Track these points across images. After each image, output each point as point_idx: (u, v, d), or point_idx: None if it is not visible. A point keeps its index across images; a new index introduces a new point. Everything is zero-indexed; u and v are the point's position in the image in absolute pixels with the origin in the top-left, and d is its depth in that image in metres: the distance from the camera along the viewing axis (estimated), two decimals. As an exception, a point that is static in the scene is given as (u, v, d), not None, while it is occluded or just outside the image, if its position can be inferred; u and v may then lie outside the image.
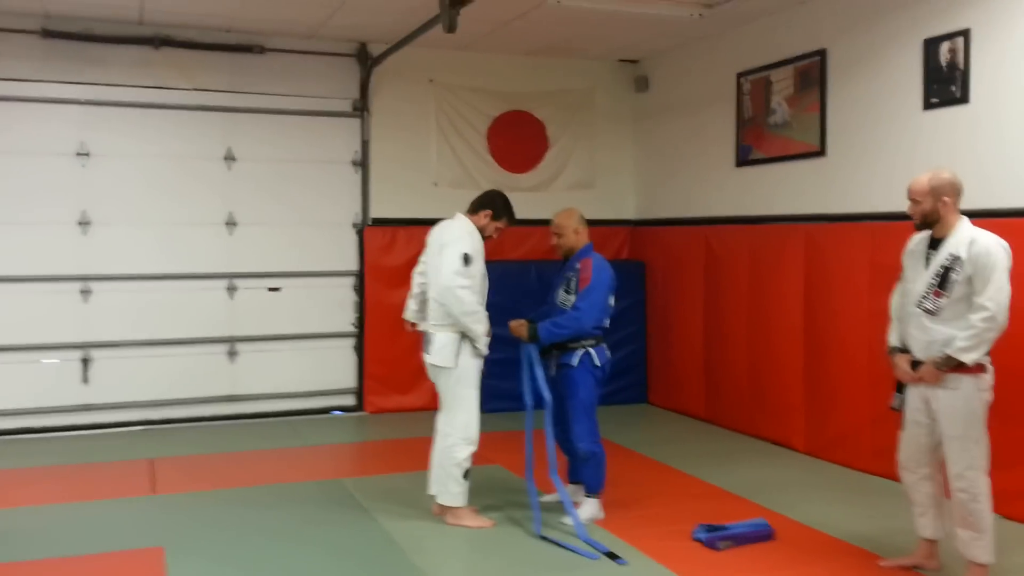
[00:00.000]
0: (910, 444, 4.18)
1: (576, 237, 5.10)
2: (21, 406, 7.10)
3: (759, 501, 5.34)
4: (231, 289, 7.70)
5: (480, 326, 4.81)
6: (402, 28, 7.04)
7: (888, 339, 4.27)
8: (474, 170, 8.29)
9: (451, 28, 5.67)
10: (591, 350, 4.96)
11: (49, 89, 7.10)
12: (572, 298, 4.96)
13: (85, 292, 7.27)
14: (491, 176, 8.23)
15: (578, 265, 5.01)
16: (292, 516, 5.10)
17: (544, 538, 4.68)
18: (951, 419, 3.96)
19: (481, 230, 5.01)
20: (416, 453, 5.65)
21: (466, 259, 4.78)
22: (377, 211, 8.09)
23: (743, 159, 7.33)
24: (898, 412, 4.23)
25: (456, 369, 4.86)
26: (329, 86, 7.90)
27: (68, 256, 7.21)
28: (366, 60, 7.92)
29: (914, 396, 4.12)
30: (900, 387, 4.21)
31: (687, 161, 8.09)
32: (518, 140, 8.45)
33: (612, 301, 5.04)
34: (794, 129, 6.75)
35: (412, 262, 7.95)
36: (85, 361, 7.28)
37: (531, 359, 4.94)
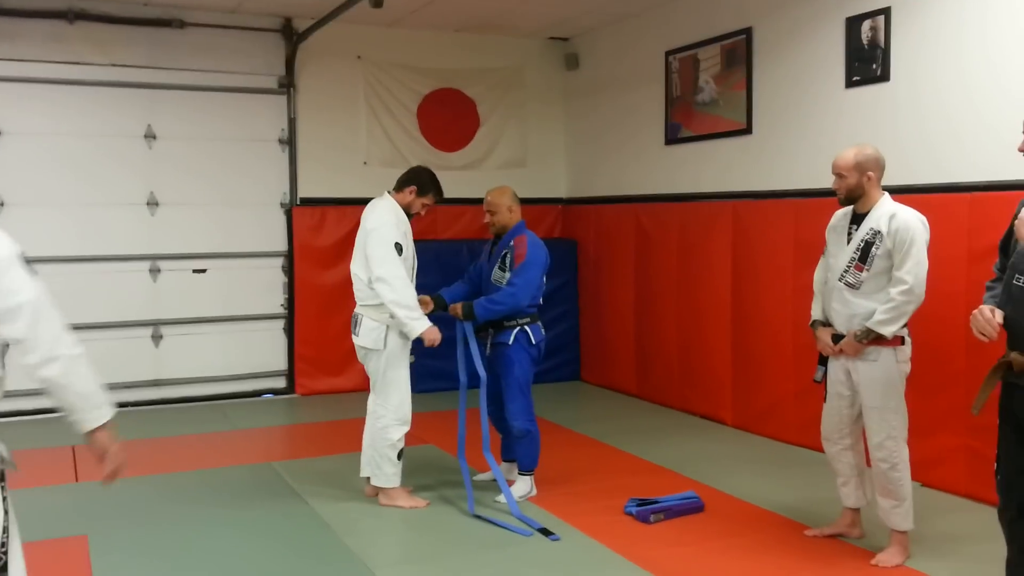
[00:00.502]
0: (832, 416, 4.28)
1: (510, 215, 5.07)
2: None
3: (689, 474, 5.43)
4: (154, 271, 7.49)
5: (415, 323, 4.69)
6: (328, 3, 6.90)
7: (811, 313, 4.36)
8: (404, 149, 8.20)
9: (377, 3, 5.57)
10: (527, 328, 4.96)
11: (-44, 64, 6.80)
12: (507, 275, 4.93)
13: (-1, 276, 7.00)
14: (422, 155, 8.14)
15: (512, 243, 4.99)
16: (220, 501, 5.01)
17: (478, 516, 4.69)
18: (871, 390, 4.06)
19: (407, 207, 4.94)
20: (348, 435, 5.59)
21: (397, 248, 4.71)
22: (306, 191, 7.95)
23: (672, 137, 7.39)
24: (821, 385, 4.33)
25: (385, 350, 4.81)
26: (253, 62, 7.71)
27: (-20, 238, 6.92)
28: (291, 36, 7.74)
29: (836, 368, 4.21)
30: (822, 360, 4.30)
31: (618, 139, 8.13)
32: (449, 118, 8.38)
33: (544, 279, 5.05)
34: (721, 107, 6.83)
35: (342, 242, 7.94)
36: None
37: (466, 337, 4.92)
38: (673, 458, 5.80)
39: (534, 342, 4.97)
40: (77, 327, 7.74)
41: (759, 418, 6.49)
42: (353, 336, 4.92)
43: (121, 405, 7.22)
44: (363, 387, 7.82)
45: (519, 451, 5.03)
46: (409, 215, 4.94)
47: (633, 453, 5.96)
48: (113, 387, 7.88)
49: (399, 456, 4.86)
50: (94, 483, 5.26)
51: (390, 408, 4.85)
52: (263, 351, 7.90)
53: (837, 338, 4.15)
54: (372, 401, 4.95)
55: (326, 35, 7.57)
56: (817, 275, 4.39)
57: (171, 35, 7.41)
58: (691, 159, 7.22)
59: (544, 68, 8.78)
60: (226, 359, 7.74)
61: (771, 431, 6.35)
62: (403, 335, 4.82)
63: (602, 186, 8.40)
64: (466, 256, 7.81)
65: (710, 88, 6.93)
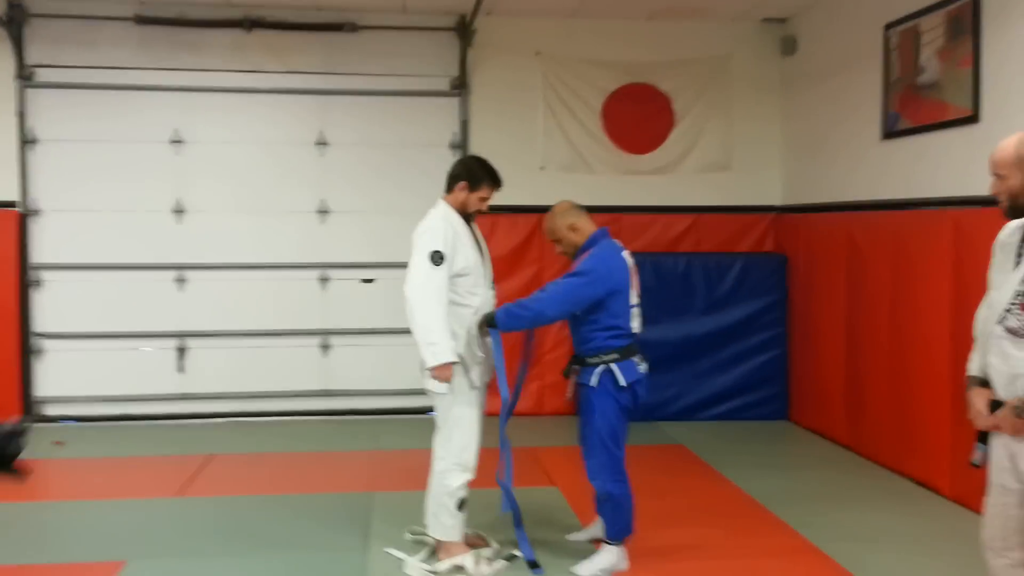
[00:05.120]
0: (995, 516, 3.00)
1: (574, 234, 4.19)
2: (120, 392, 7.17)
3: (850, 562, 4.18)
4: (323, 280, 7.39)
5: (427, 351, 3.94)
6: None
7: (967, 366, 3.07)
8: (586, 151, 7.43)
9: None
10: (613, 366, 4.01)
11: (144, 76, 7.08)
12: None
13: (180, 280, 7.23)
14: (606, 158, 7.36)
15: (582, 257, 4.13)
16: (284, 532, 4.65)
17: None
18: (1045, 488, 2.74)
19: (462, 208, 4.22)
20: (485, 465, 4.68)
21: (435, 258, 4.01)
22: (478, 197, 7.46)
23: (891, 129, 5.97)
24: (981, 469, 3.03)
25: (453, 389, 4.12)
26: (426, 63, 7.36)
27: (164, 244, 7.19)
28: (465, 33, 7.29)
29: (999, 450, 2.92)
30: (982, 436, 3.01)
31: (834, 135, 6.78)
32: (639, 117, 7.47)
33: (634, 299, 4.09)
34: (944, 89, 5.36)
35: (514, 251, 7.38)
36: (181, 350, 7.25)
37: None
38: (846, 535, 4.59)
39: (624, 384, 4.01)
40: (250, 334, 7.77)
41: (984, 489, 4.96)
42: (421, 376, 4.28)
43: (290, 414, 7.30)
44: (532, 411, 7.19)
45: (602, 517, 4.11)
46: (468, 216, 4.22)
47: (794, 524, 4.75)
48: (283, 395, 7.88)
49: (459, 506, 4.15)
50: (192, 499, 5.14)
51: (452, 451, 4.16)
52: (431, 366, 7.51)
53: (997, 405, 2.87)
54: (435, 441, 4.29)
55: (502, 30, 7.07)
56: (978, 314, 3.09)
57: (344, 39, 7.26)
58: (910, 156, 5.77)
59: (755, 55, 7.59)
60: (393, 372, 7.42)
61: (995, 511, 4.82)
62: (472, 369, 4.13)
63: (815, 191, 7.07)
64: (650, 271, 6.89)
65: (933, 66, 5.48)
